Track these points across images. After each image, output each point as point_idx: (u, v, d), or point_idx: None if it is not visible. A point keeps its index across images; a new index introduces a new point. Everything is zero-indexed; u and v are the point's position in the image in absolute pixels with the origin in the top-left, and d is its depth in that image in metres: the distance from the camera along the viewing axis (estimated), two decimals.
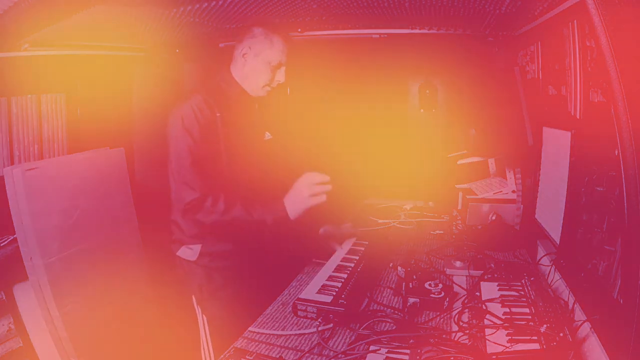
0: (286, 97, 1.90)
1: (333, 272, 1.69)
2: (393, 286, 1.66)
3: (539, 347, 1.15)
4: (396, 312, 1.46)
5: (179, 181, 1.65)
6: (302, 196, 1.68)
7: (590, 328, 1.23)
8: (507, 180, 2.23)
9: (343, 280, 1.61)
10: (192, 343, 2.02)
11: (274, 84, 1.83)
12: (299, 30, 2.21)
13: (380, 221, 2.48)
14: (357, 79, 3.37)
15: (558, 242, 1.71)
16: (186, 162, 1.63)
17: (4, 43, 1.78)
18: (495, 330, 1.26)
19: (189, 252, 1.81)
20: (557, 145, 1.80)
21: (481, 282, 1.58)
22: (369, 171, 3.37)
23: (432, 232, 2.28)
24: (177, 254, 1.85)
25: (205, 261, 1.81)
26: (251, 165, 1.84)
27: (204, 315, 1.81)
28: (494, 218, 2.16)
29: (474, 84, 2.43)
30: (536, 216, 2.05)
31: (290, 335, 1.35)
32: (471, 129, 2.21)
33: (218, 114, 1.71)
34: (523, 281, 1.52)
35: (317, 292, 1.52)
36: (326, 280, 1.61)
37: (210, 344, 1.79)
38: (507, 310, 1.36)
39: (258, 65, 1.78)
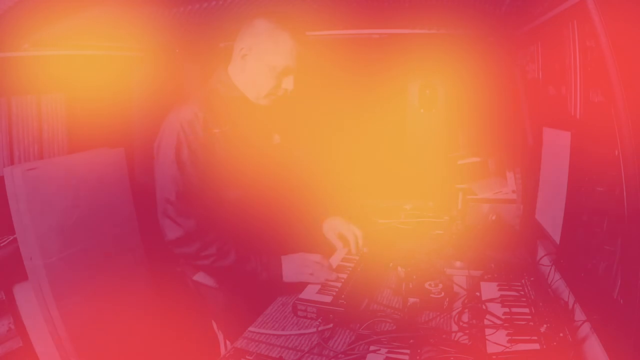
0: (290, 97, 1.72)
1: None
2: (393, 286, 1.66)
3: (539, 347, 1.15)
4: (396, 312, 1.46)
5: (161, 212, 1.45)
6: (305, 271, 1.56)
7: (590, 328, 1.23)
8: (507, 180, 2.23)
9: (343, 280, 1.61)
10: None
11: (279, 92, 1.56)
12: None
13: (380, 221, 2.48)
14: (356, 79, 3.37)
15: (558, 242, 1.71)
16: (170, 194, 1.42)
17: (4, 43, 1.78)
18: (495, 330, 1.26)
19: (210, 278, 1.65)
20: (557, 145, 1.80)
21: (481, 282, 1.58)
22: (368, 171, 3.37)
23: (432, 232, 2.28)
24: (194, 278, 1.67)
25: (228, 287, 1.66)
26: (260, 173, 1.65)
27: (227, 341, 1.69)
28: (494, 218, 2.16)
29: (474, 84, 2.44)
30: (536, 216, 2.05)
31: (290, 335, 1.35)
32: (471, 129, 2.22)
33: (216, 130, 1.48)
34: (523, 281, 1.52)
35: (317, 292, 1.52)
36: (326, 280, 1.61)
37: None
38: (507, 310, 1.36)
39: (260, 70, 1.51)
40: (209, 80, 1.68)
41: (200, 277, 1.68)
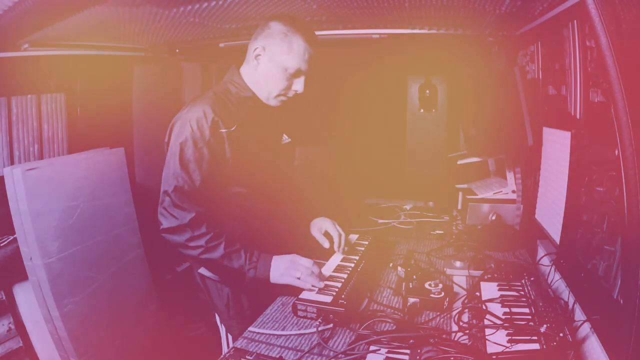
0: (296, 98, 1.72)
1: (333, 272, 1.69)
2: (393, 286, 1.66)
3: (539, 347, 1.15)
4: (396, 312, 1.46)
5: (160, 203, 1.52)
6: (293, 274, 1.54)
7: (590, 328, 1.23)
8: (507, 180, 2.24)
9: (343, 280, 1.61)
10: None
11: (290, 93, 1.61)
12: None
13: (380, 221, 2.48)
14: (356, 79, 3.37)
15: (558, 242, 1.71)
16: (169, 188, 1.49)
17: (3, 43, 1.78)
18: (495, 330, 1.26)
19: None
20: (557, 145, 1.80)
21: (481, 282, 1.58)
22: (369, 171, 3.37)
23: (432, 232, 2.28)
24: (199, 271, 1.70)
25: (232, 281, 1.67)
26: (266, 171, 1.69)
27: (229, 334, 1.71)
28: (494, 218, 2.16)
29: (474, 84, 2.44)
30: (536, 216, 2.05)
31: (290, 335, 1.35)
32: (471, 129, 2.22)
33: (224, 130, 1.52)
34: (523, 281, 1.52)
35: (317, 292, 1.52)
36: (326, 280, 1.61)
37: None
38: (507, 310, 1.36)
39: (272, 71, 1.55)
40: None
41: (205, 271, 1.70)
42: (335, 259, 1.81)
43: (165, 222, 1.50)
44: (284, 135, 1.80)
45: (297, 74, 1.57)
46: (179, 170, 1.49)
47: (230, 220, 1.63)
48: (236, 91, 1.62)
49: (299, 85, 1.59)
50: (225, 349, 1.77)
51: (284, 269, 1.55)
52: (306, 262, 1.59)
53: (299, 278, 1.54)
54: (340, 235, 1.83)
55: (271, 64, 1.55)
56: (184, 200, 1.49)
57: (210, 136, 1.50)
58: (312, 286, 1.54)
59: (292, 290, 1.57)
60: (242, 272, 1.54)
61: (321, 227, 1.86)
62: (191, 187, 1.50)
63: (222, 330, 1.76)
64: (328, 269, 1.72)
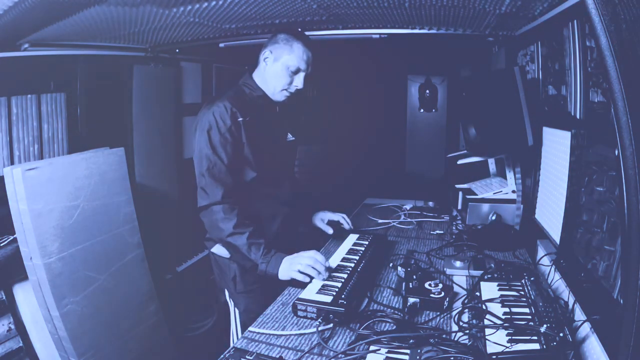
0: (298, 99, 1.97)
1: (333, 272, 1.69)
2: (393, 286, 1.66)
3: (539, 347, 1.15)
4: (396, 312, 1.46)
5: (198, 184, 1.77)
6: (296, 268, 1.63)
7: (590, 328, 1.23)
8: (507, 180, 2.24)
9: (343, 280, 1.61)
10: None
11: (291, 89, 1.87)
12: (299, 30, 2.20)
13: (380, 221, 2.48)
14: (356, 79, 3.37)
15: (558, 242, 1.71)
16: (203, 169, 1.74)
17: (3, 43, 1.78)
18: (495, 330, 1.26)
19: (225, 250, 1.84)
20: (557, 145, 1.80)
21: (481, 282, 1.58)
22: (369, 171, 3.37)
23: (432, 232, 2.28)
24: (212, 250, 1.92)
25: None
26: (274, 159, 1.92)
27: (236, 308, 1.89)
28: (494, 218, 2.16)
29: (474, 84, 2.44)
30: (536, 216, 2.05)
31: (290, 335, 1.35)
32: (471, 129, 2.22)
33: (240, 119, 1.77)
34: (523, 281, 1.52)
35: (317, 292, 1.52)
36: (326, 280, 1.61)
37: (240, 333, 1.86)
38: (507, 310, 1.36)
39: (277, 69, 1.84)
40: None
41: (217, 250, 1.90)
42: (335, 259, 1.81)
43: (201, 201, 1.74)
44: (289, 134, 2.04)
45: (296, 71, 1.84)
46: (210, 153, 1.73)
47: (249, 202, 1.83)
48: (249, 91, 1.90)
49: (298, 81, 1.86)
50: (233, 327, 1.91)
51: (290, 264, 1.66)
52: (310, 252, 1.69)
53: (300, 266, 1.63)
54: (343, 217, 2.16)
55: (276, 64, 1.84)
56: (215, 179, 1.73)
57: (231, 124, 1.76)
58: (319, 274, 1.62)
59: (291, 290, 1.58)
60: (256, 265, 1.69)
61: (323, 218, 2.16)
62: (220, 167, 1.74)
63: (231, 305, 1.91)
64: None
